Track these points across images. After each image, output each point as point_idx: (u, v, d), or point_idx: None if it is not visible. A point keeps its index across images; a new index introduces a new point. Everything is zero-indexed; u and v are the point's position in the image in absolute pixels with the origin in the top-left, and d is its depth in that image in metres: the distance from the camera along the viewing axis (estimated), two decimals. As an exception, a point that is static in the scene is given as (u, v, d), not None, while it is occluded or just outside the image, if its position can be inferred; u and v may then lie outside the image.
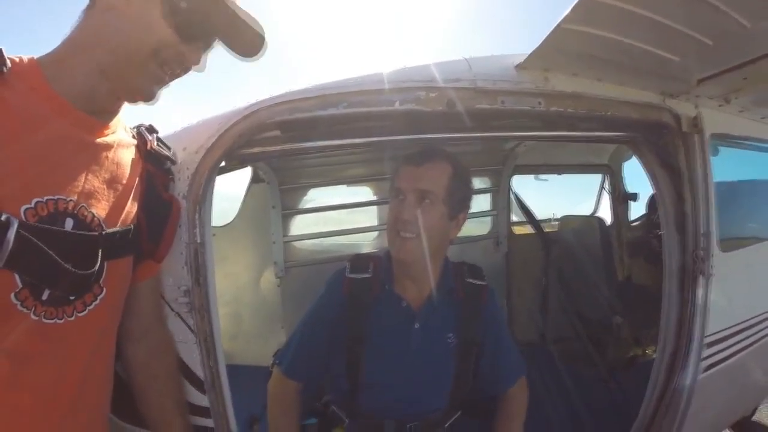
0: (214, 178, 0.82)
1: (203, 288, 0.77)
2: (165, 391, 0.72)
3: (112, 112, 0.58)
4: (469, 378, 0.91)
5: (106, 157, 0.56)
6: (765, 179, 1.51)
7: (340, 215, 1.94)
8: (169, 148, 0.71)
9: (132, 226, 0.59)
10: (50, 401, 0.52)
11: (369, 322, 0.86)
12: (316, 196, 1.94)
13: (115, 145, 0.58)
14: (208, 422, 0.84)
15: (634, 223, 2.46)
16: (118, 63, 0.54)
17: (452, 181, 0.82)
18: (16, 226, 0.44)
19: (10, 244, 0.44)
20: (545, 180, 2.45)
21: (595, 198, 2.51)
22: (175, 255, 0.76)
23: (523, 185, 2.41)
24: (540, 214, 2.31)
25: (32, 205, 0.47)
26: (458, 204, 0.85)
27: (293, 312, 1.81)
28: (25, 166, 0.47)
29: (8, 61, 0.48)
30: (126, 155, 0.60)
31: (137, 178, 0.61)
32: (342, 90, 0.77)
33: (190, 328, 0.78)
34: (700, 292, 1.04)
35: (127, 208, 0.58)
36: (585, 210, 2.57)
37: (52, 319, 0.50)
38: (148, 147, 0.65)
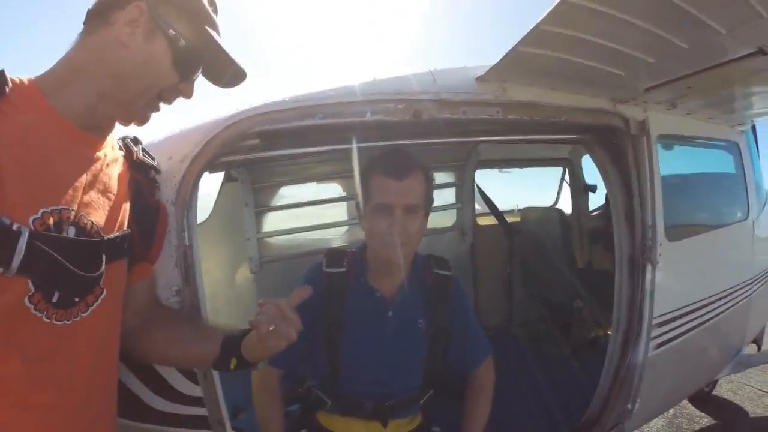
0: (198, 184, 0.88)
1: (193, 287, 0.84)
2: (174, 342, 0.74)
3: (106, 129, 0.62)
4: (439, 359, 1.00)
5: (101, 169, 0.59)
6: (711, 173, 1.65)
7: (312, 211, 2.00)
8: (153, 158, 0.76)
9: (128, 231, 0.63)
10: (67, 395, 0.56)
11: (346, 312, 0.94)
12: (288, 193, 1.99)
13: (108, 159, 0.61)
14: (202, 411, 0.91)
15: (594, 213, 2.60)
16: (121, 94, 0.58)
17: (426, 188, 0.91)
18: (27, 235, 0.47)
19: (23, 252, 0.47)
20: (509, 172, 2.60)
21: (556, 189, 2.66)
22: (165, 257, 0.82)
23: (489, 177, 2.56)
24: (504, 205, 2.44)
25: (39, 215, 0.50)
26: (431, 205, 0.95)
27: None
28: (31, 178, 0.50)
29: (10, 82, 0.51)
30: (116, 167, 0.64)
31: (127, 187, 0.65)
32: (318, 102, 0.84)
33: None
34: (648, 277, 1.16)
35: (120, 216, 0.62)
36: (548, 200, 2.73)
37: (61, 320, 0.53)
38: (134, 157, 0.69)
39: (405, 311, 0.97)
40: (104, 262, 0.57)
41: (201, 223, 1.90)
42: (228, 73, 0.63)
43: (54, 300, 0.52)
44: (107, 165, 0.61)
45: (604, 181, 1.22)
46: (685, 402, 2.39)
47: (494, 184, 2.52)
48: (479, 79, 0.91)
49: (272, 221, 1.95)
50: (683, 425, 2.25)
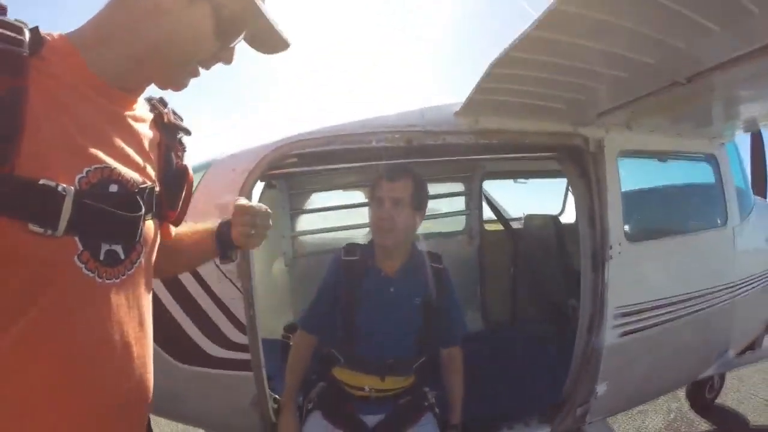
0: (253, 190, 1.24)
1: (247, 263, 1.19)
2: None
3: (140, 90, 0.60)
4: (430, 331, 1.27)
5: (135, 129, 0.59)
6: (677, 184, 1.82)
7: (339, 215, 2.37)
8: (182, 119, 0.72)
9: (156, 186, 0.62)
10: (114, 353, 0.54)
11: (359, 289, 1.25)
12: (317, 199, 2.36)
13: (141, 118, 0.61)
14: (246, 356, 1.25)
15: None
16: (159, 60, 0.55)
17: (415, 190, 1.23)
18: (72, 194, 0.47)
19: (69, 212, 0.46)
20: (525, 182, 2.82)
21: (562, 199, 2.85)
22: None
23: (504, 187, 2.81)
24: (513, 212, 2.69)
25: (84, 174, 0.49)
26: (420, 205, 1.26)
27: (300, 294, 2.19)
28: (74, 138, 0.49)
29: (44, 40, 0.49)
30: (147, 127, 0.62)
31: (157, 149, 0.64)
32: (337, 133, 1.18)
33: (237, 288, 1.20)
34: (607, 272, 1.38)
35: (152, 175, 0.62)
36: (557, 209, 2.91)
37: (111, 279, 0.53)
38: (165, 120, 0.67)
39: (404, 289, 1.26)
40: (143, 208, 0.57)
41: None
42: (270, 42, 0.62)
43: (101, 257, 0.51)
44: (141, 124, 0.60)
45: (572, 191, 1.46)
46: (686, 407, 2.45)
47: (510, 194, 2.79)
48: (456, 113, 1.22)
49: (304, 223, 2.33)
50: (682, 429, 2.32)
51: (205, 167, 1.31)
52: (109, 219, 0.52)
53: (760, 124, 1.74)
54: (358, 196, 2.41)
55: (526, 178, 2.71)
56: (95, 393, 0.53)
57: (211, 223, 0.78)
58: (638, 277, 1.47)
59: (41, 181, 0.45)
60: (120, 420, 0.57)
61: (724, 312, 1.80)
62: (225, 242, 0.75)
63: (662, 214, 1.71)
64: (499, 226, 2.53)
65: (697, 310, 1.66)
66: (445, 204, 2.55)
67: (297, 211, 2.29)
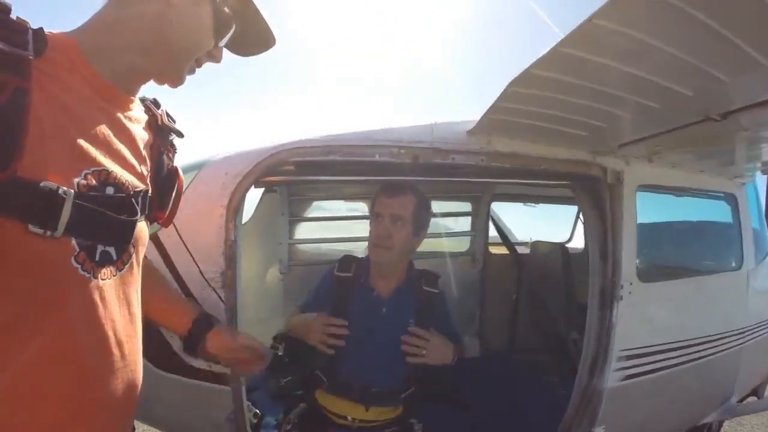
0: (246, 195, 1.16)
1: (233, 271, 1.11)
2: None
3: (137, 89, 0.60)
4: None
5: (132, 130, 0.59)
6: (699, 222, 1.73)
7: (339, 225, 2.29)
8: (174, 121, 0.73)
9: (149, 189, 0.63)
10: (105, 353, 0.56)
11: (349, 306, 1.18)
12: (318, 207, 2.28)
13: (137, 119, 0.61)
14: (225, 369, 1.17)
15: None
16: (161, 55, 0.56)
17: (416, 208, 1.15)
18: (72, 197, 0.47)
19: (68, 214, 0.47)
20: (534, 206, 2.73)
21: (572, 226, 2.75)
22: (215, 247, 1.09)
23: (513, 209, 2.72)
24: (521, 236, 2.59)
25: (83, 177, 0.50)
26: (421, 225, 1.18)
27: (293, 304, 2.14)
28: (74, 140, 0.50)
29: (49, 40, 0.49)
30: (142, 128, 0.63)
31: (150, 150, 0.65)
32: (338, 143, 1.10)
33: (221, 298, 1.11)
34: (615, 311, 1.29)
35: (145, 176, 0.63)
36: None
37: (105, 278, 0.54)
38: (159, 122, 0.67)
39: (397, 311, 1.19)
40: (138, 212, 0.58)
41: (241, 226, 2.24)
42: (257, 43, 0.63)
43: (97, 258, 0.52)
44: (136, 125, 0.61)
45: (584, 221, 1.37)
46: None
47: (518, 216, 2.71)
48: (469, 132, 1.13)
49: (302, 230, 2.25)
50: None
51: (198, 167, 1.23)
52: (107, 222, 0.53)
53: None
54: (361, 207, 2.33)
55: (536, 202, 2.62)
56: (90, 388, 0.54)
57: (187, 304, 0.89)
58: (647, 318, 1.38)
59: (42, 184, 0.46)
60: (112, 414, 0.59)
61: (731, 358, 1.72)
62: (195, 337, 0.85)
63: (677, 253, 1.62)
64: (505, 250, 2.45)
65: (703, 356, 1.57)
66: (450, 222, 2.46)
67: (296, 218, 2.21)
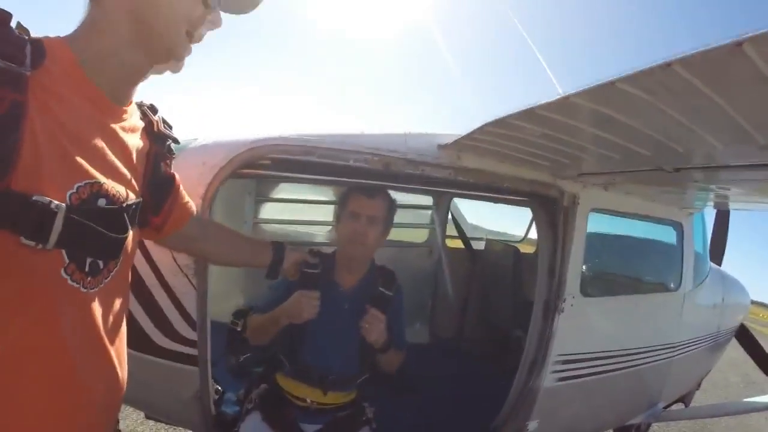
0: (221, 186, 1.20)
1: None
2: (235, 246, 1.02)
3: (131, 94, 0.61)
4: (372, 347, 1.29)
5: (125, 140, 0.60)
6: (643, 248, 1.89)
7: (303, 208, 2.36)
8: (171, 128, 0.73)
9: (140, 200, 0.63)
10: (94, 359, 0.58)
11: None
12: (285, 190, 2.34)
13: (131, 128, 0.61)
14: (193, 350, 1.24)
15: None
16: (148, 38, 0.55)
17: (388, 210, 1.24)
18: (64, 211, 0.48)
19: (60, 228, 0.48)
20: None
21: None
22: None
23: (480, 206, 2.84)
24: (480, 233, 2.73)
25: (75, 190, 0.50)
26: (389, 224, 1.27)
27: (252, 278, 2.16)
28: (67, 153, 0.50)
29: (47, 51, 0.48)
30: (137, 137, 0.63)
31: (145, 158, 0.65)
32: (317, 144, 1.15)
33: (192, 285, 1.17)
34: (556, 321, 1.43)
35: (137, 185, 0.63)
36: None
37: (93, 288, 0.55)
38: (155, 129, 0.68)
39: (357, 306, 1.27)
40: (129, 226, 0.59)
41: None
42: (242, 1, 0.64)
43: (86, 269, 0.53)
44: (130, 135, 0.61)
45: (537, 235, 1.49)
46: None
47: (478, 210, 2.83)
48: (440, 146, 1.21)
49: (268, 211, 2.30)
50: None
51: (177, 150, 1.25)
52: (98, 237, 0.54)
53: (731, 206, 1.82)
54: (326, 191, 2.39)
55: (495, 202, 2.76)
56: (79, 394, 0.56)
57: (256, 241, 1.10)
58: (585, 328, 1.53)
59: (34, 197, 0.46)
60: (99, 417, 0.61)
61: (661, 368, 1.92)
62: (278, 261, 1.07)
63: (619, 272, 1.78)
64: (461, 244, 2.56)
65: (635, 365, 1.76)
66: (410, 214, 2.54)
67: (262, 198, 2.25)
